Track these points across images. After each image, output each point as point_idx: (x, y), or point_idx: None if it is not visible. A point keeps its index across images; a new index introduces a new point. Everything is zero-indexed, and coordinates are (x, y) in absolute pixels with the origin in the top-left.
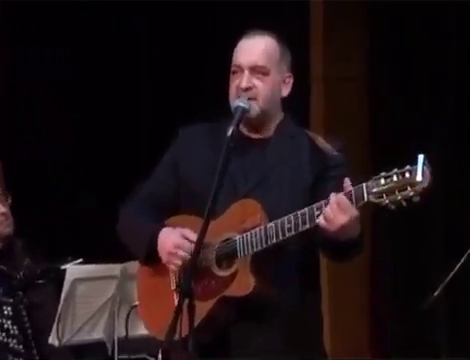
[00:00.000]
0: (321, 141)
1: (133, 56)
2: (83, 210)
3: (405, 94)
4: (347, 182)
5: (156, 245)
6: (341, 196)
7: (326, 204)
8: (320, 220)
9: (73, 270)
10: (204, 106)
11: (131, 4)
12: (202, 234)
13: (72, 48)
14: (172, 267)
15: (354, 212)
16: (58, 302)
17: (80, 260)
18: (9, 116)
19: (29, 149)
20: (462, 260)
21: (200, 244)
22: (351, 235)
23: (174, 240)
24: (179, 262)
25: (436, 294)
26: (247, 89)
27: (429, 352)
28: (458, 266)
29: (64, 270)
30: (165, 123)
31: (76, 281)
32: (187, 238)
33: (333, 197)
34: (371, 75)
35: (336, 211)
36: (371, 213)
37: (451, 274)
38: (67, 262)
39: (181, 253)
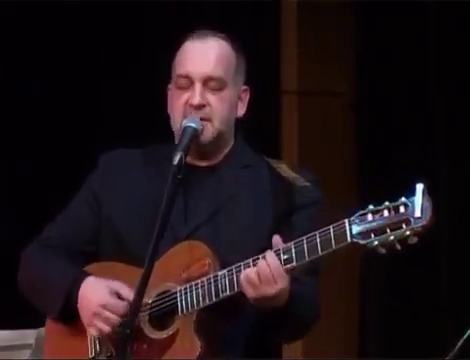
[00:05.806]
0: (286, 170)
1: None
2: None
3: (398, 110)
4: (277, 239)
5: (75, 300)
6: (276, 262)
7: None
8: (241, 280)
9: None
10: None
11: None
12: (140, 293)
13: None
14: (93, 332)
15: (285, 284)
16: None
17: None
18: None
19: None
20: (465, 336)
21: (138, 306)
22: (276, 305)
23: (100, 297)
24: (105, 327)
25: None
26: (200, 107)
27: None
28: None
29: None
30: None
31: None
32: (119, 295)
33: (268, 257)
34: (357, 88)
35: (266, 278)
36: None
37: (459, 344)
38: None
39: (108, 315)
